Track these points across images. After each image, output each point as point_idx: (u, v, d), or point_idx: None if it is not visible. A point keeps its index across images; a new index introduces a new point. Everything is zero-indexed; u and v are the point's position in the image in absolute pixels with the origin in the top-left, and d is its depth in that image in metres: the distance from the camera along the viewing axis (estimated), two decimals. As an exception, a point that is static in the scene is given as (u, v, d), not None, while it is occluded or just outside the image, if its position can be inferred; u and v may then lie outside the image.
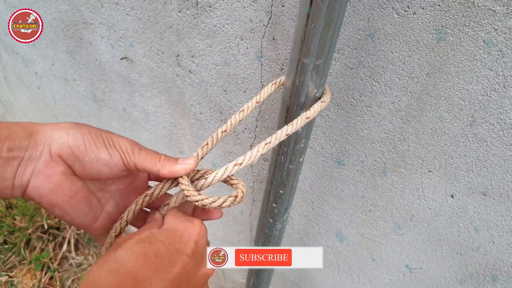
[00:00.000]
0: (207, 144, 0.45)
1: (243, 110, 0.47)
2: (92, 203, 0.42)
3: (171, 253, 0.35)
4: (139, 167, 0.41)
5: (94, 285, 0.31)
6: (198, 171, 0.45)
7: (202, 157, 0.45)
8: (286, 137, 0.45)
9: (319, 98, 0.48)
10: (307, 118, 0.45)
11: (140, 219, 0.46)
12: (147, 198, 0.43)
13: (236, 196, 0.41)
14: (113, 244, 0.36)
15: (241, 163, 0.42)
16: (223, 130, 0.46)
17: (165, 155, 0.43)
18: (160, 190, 0.44)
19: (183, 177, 0.42)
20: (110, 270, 0.32)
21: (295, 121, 0.45)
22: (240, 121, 0.47)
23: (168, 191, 0.45)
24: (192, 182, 0.44)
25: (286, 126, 0.45)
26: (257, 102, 0.48)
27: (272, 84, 0.50)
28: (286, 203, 0.64)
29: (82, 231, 1.59)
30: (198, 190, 0.43)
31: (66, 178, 0.38)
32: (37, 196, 0.37)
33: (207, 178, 0.43)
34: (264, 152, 0.43)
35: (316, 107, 0.46)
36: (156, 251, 0.34)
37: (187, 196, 0.41)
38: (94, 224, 0.43)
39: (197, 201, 0.39)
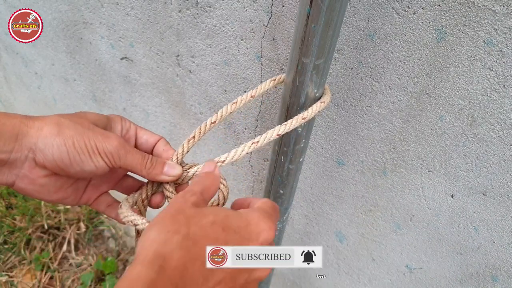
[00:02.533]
0: (193, 137, 0.45)
1: (236, 102, 0.46)
2: (78, 186, 0.43)
3: (238, 243, 0.34)
4: (125, 169, 0.41)
5: (165, 259, 0.29)
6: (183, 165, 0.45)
7: (188, 151, 0.45)
8: (277, 137, 0.43)
9: (319, 98, 0.48)
10: (303, 118, 0.45)
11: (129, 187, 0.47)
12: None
13: (218, 199, 0.42)
14: (176, 210, 0.34)
15: (224, 161, 0.42)
16: (212, 121, 0.44)
17: (150, 159, 0.42)
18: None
19: (170, 184, 0.44)
20: (183, 246, 0.30)
21: (289, 121, 0.44)
22: (231, 113, 0.45)
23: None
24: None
25: (278, 126, 0.44)
26: (251, 96, 0.47)
27: (271, 81, 0.49)
28: (286, 203, 0.64)
29: (82, 231, 1.59)
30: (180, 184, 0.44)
31: (50, 179, 0.39)
32: (23, 193, 0.39)
33: (188, 172, 0.44)
34: (250, 151, 0.43)
35: (315, 108, 0.46)
36: (226, 241, 0.33)
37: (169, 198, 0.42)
38: (79, 200, 0.44)
39: None
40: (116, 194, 0.48)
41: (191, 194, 0.36)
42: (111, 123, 0.44)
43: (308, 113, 0.45)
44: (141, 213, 0.44)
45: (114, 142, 0.39)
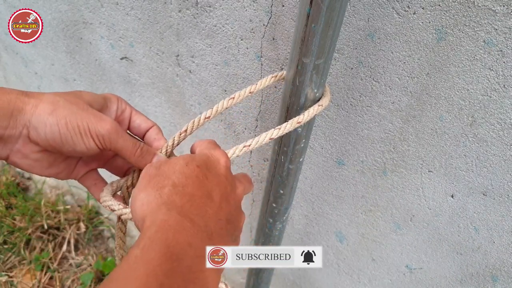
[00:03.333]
0: (185, 130, 0.44)
1: (233, 97, 0.45)
2: (70, 162, 0.44)
3: (213, 175, 0.37)
4: (115, 152, 0.42)
5: (171, 206, 0.33)
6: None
7: (178, 143, 0.44)
8: (270, 141, 0.43)
9: (319, 98, 0.48)
10: (298, 122, 0.44)
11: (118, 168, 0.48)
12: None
13: None
14: (159, 163, 0.38)
15: None
16: (206, 115, 0.44)
17: (141, 148, 0.42)
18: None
19: None
20: (177, 192, 0.34)
21: (283, 125, 0.44)
22: (226, 108, 0.45)
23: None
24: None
25: (272, 129, 0.44)
26: (250, 92, 0.46)
27: (272, 77, 0.49)
28: (286, 203, 0.64)
29: (82, 231, 1.59)
30: None
31: (43, 154, 0.40)
32: (17, 166, 0.40)
33: None
34: (240, 154, 0.43)
35: (311, 111, 0.45)
36: (204, 174, 0.37)
37: None
38: (70, 175, 0.45)
39: None
40: (105, 174, 0.48)
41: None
42: (107, 102, 0.44)
43: (304, 117, 0.44)
44: (125, 199, 0.45)
45: (107, 125, 0.39)
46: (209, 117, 0.44)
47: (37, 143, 0.38)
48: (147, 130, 0.47)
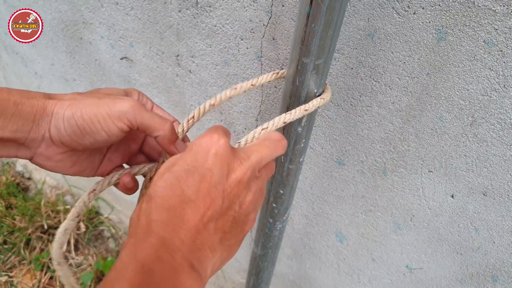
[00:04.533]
0: (193, 117, 0.44)
1: (236, 88, 0.45)
2: (94, 159, 0.44)
3: (191, 173, 0.34)
4: (142, 130, 0.40)
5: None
6: None
7: (188, 130, 0.44)
8: (284, 124, 0.44)
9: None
10: (306, 110, 0.45)
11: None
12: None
13: None
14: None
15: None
16: (211, 103, 0.44)
17: (170, 124, 0.40)
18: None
19: None
20: (152, 207, 0.33)
21: (293, 111, 0.45)
22: (229, 98, 0.45)
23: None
24: None
25: (283, 114, 0.44)
26: (252, 85, 0.46)
27: (273, 74, 0.49)
28: (286, 203, 0.64)
29: (82, 231, 1.59)
30: None
31: (66, 155, 0.40)
32: (41, 167, 0.40)
33: None
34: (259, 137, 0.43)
35: (315, 102, 0.46)
36: (177, 176, 0.34)
37: None
38: (95, 172, 0.44)
39: None
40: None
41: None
42: (128, 95, 0.45)
43: (309, 106, 0.45)
44: (146, 187, 0.45)
45: (128, 102, 0.38)
46: (213, 104, 0.44)
47: (61, 142, 0.38)
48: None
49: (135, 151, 0.47)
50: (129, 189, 0.44)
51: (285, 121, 0.44)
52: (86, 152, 0.42)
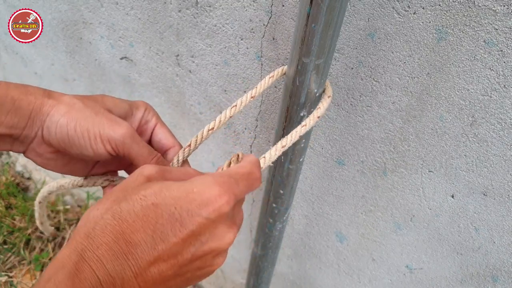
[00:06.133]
0: (189, 145, 0.41)
1: (235, 105, 0.43)
2: (87, 162, 0.43)
3: (174, 220, 0.28)
4: (129, 159, 0.39)
5: (94, 229, 0.27)
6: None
7: (183, 160, 0.42)
8: (304, 131, 0.42)
9: (319, 98, 0.48)
10: (318, 117, 0.45)
11: None
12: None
13: None
14: (122, 187, 0.30)
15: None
16: (210, 128, 0.41)
17: (157, 158, 0.40)
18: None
19: None
20: (109, 222, 0.28)
21: (307, 120, 0.43)
22: (230, 117, 0.42)
23: None
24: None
25: (299, 127, 0.42)
26: (252, 97, 0.44)
27: (270, 78, 0.47)
28: (286, 203, 0.64)
29: (81, 231, 1.59)
30: None
31: (57, 155, 0.40)
32: (33, 161, 0.40)
33: None
34: (279, 154, 0.40)
35: (325, 104, 0.46)
36: (158, 215, 0.27)
37: None
38: (88, 173, 0.44)
39: None
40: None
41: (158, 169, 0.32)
42: (133, 109, 0.42)
43: (321, 111, 0.45)
44: None
45: (121, 129, 0.37)
46: (213, 128, 0.41)
47: (50, 143, 0.38)
48: (168, 149, 0.43)
49: (129, 162, 0.46)
50: None
51: (300, 134, 0.41)
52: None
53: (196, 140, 0.41)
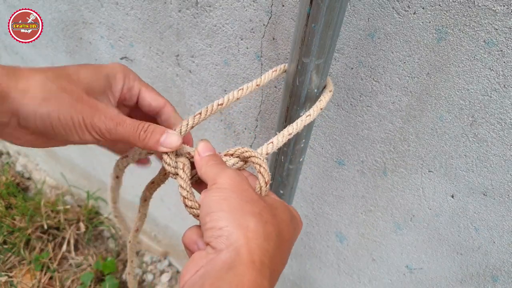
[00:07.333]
0: (200, 113, 0.42)
1: (242, 89, 0.46)
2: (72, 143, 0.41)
3: (284, 242, 0.37)
4: (118, 141, 0.39)
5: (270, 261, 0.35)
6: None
7: (192, 127, 0.42)
8: (309, 121, 0.45)
9: (319, 98, 0.48)
10: (321, 109, 0.46)
11: None
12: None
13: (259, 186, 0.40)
14: (250, 197, 0.35)
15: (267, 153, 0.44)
16: (219, 103, 0.44)
17: (144, 130, 0.38)
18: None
19: (169, 155, 0.40)
20: (276, 244, 0.35)
21: (310, 111, 0.45)
22: (237, 99, 0.45)
23: None
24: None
25: (304, 115, 0.45)
26: (257, 85, 0.47)
27: (273, 72, 0.49)
28: (286, 203, 0.64)
29: (82, 231, 1.59)
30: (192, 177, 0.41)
31: (37, 135, 0.37)
32: (10, 143, 0.38)
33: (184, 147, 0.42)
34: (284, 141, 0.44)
35: (327, 97, 0.47)
36: (277, 232, 0.35)
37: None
38: (82, 139, 0.40)
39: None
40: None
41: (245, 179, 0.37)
42: (111, 81, 0.40)
43: (323, 103, 0.46)
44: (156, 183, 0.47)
45: (102, 116, 0.36)
46: (222, 104, 0.44)
47: (29, 129, 0.36)
48: (159, 110, 0.43)
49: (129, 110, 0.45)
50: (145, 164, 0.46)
51: (305, 124, 0.44)
52: None
53: (206, 111, 0.43)
